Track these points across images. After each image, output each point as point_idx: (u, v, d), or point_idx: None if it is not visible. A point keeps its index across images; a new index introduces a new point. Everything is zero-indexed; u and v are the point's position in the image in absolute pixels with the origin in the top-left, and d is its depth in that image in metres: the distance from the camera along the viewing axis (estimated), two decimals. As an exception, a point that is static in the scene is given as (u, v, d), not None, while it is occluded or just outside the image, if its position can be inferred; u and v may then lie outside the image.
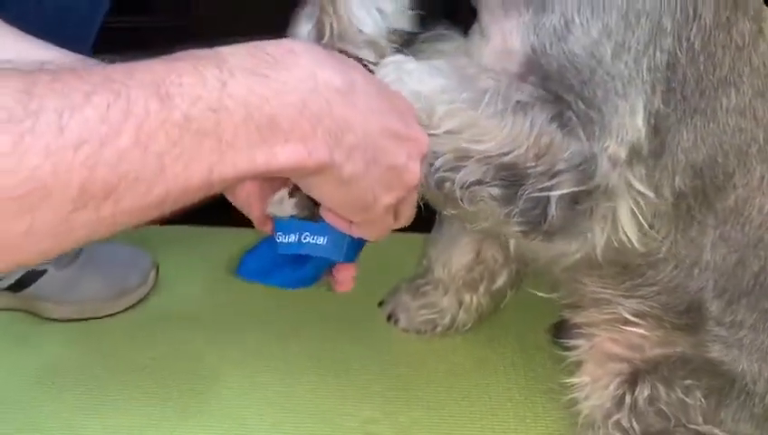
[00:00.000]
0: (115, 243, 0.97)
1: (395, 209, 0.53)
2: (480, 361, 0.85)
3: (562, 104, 0.52)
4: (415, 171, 0.51)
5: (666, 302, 0.61)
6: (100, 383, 0.80)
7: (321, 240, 0.58)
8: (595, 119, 0.52)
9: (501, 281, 0.82)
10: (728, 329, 0.61)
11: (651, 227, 0.56)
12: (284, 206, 0.57)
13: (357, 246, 0.59)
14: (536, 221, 0.54)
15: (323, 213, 0.55)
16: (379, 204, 0.50)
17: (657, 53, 0.53)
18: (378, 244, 1.00)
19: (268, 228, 0.63)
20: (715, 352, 0.61)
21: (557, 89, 0.53)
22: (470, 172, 0.54)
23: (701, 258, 0.60)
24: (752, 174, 0.58)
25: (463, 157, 0.54)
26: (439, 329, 0.87)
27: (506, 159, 0.53)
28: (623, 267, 0.61)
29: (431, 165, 0.54)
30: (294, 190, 0.56)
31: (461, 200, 0.55)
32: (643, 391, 0.60)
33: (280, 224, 0.58)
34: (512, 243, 0.64)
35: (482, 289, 0.83)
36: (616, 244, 0.55)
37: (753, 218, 0.58)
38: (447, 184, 0.55)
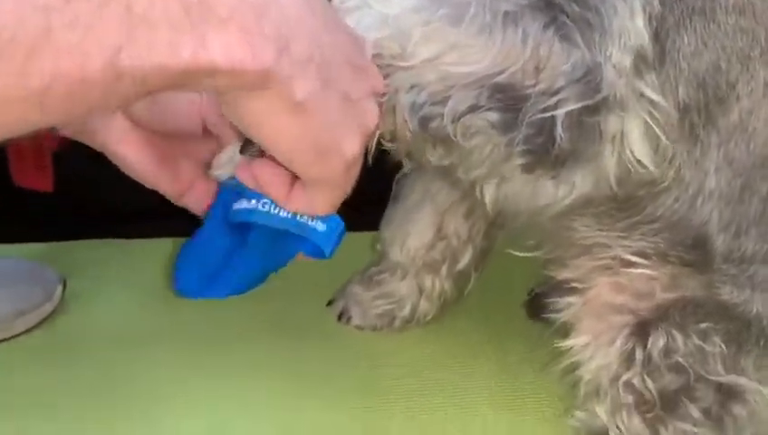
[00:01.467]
0: (13, 258, 0.84)
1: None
2: (448, 353, 0.75)
3: (555, 9, 0.46)
4: (373, 111, 0.43)
5: (668, 238, 0.54)
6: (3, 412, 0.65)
7: (321, 225, 0.48)
8: (593, 22, 0.46)
9: (464, 261, 0.74)
10: (737, 266, 0.54)
11: (664, 142, 0.50)
12: (236, 162, 0.47)
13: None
14: (543, 149, 0.47)
15: (257, 171, 0.45)
16: (342, 150, 0.40)
17: None
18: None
19: (196, 202, 0.52)
20: (726, 293, 0.54)
21: None
22: (460, 100, 0.46)
23: (704, 186, 0.53)
24: (756, 81, 0.52)
25: (450, 85, 0.46)
26: (398, 322, 0.77)
27: (501, 78, 0.45)
28: (622, 202, 0.54)
29: (413, 103, 0.46)
30: (247, 144, 0.45)
31: (454, 136, 0.47)
32: (657, 342, 0.52)
33: (228, 190, 0.47)
34: (489, 199, 0.56)
35: (444, 271, 0.74)
36: (629, 166, 0.49)
37: (759, 133, 0.52)
38: (435, 121, 0.47)
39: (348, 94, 0.39)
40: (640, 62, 0.47)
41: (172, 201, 0.52)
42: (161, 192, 0.51)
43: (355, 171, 0.43)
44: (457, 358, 0.75)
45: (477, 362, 0.74)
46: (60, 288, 0.81)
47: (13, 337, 0.76)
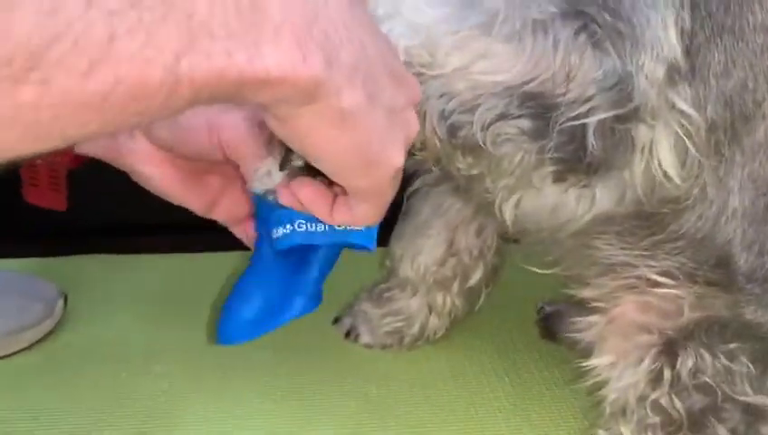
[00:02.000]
0: (12, 272, 0.81)
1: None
2: (458, 371, 0.74)
3: (586, 17, 0.45)
4: (414, 121, 0.41)
5: (692, 257, 0.54)
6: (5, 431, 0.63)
7: (320, 226, 0.47)
8: (625, 32, 0.45)
9: (476, 277, 0.73)
10: (761, 285, 0.54)
11: (692, 156, 0.49)
12: (274, 178, 0.45)
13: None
14: (575, 157, 0.46)
15: (298, 191, 0.44)
16: (389, 160, 0.39)
17: None
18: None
19: (244, 230, 0.51)
20: (750, 313, 0.53)
21: (576, 2, 0.46)
22: (490, 108, 0.45)
23: (728, 204, 0.53)
24: None
25: (479, 93, 0.45)
26: (407, 340, 0.75)
27: (531, 86, 0.45)
28: (645, 220, 0.53)
29: (442, 111, 0.46)
30: (287, 155, 0.44)
31: (483, 144, 0.46)
32: (686, 362, 0.51)
33: (291, 212, 0.46)
34: (508, 216, 0.55)
35: (455, 287, 0.73)
36: (656, 177, 0.48)
37: (784, 153, 0.52)
38: (464, 129, 0.46)
39: (392, 105, 0.38)
40: (674, 74, 0.47)
41: (201, 215, 0.50)
42: (190, 209, 0.49)
43: (398, 181, 0.42)
44: (468, 376, 0.73)
45: (489, 380, 0.73)
46: (61, 304, 0.78)
47: (12, 354, 0.73)
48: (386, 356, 0.76)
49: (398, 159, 0.40)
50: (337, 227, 0.45)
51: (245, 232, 0.52)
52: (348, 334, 0.77)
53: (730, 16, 0.49)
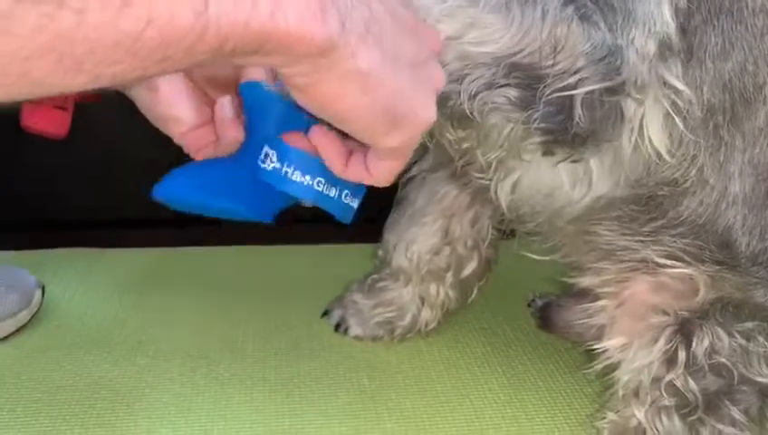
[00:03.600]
0: (-14, 262, 0.76)
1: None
2: (451, 363, 0.71)
3: None
4: (439, 72, 0.40)
5: (694, 242, 0.52)
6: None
7: (334, 192, 0.44)
8: (617, 5, 0.44)
9: (470, 268, 0.70)
10: (766, 268, 0.51)
11: (683, 135, 0.47)
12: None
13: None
14: (561, 127, 0.44)
15: (316, 141, 0.41)
16: (417, 116, 0.38)
17: None
18: (320, 254, 0.88)
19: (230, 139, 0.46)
20: (760, 296, 0.51)
21: None
22: (477, 77, 0.44)
23: (728, 190, 0.51)
24: None
25: (468, 64, 0.44)
26: (398, 332, 0.72)
27: (519, 57, 0.43)
28: (644, 204, 0.51)
29: None
30: None
31: (471, 114, 0.44)
32: (702, 342, 0.49)
33: (290, 152, 0.43)
34: (503, 198, 0.52)
35: (449, 278, 0.70)
36: (646, 155, 0.47)
37: (786, 138, 0.50)
38: (452, 99, 0.44)
39: (413, 60, 0.37)
40: (665, 50, 0.45)
41: (175, 137, 0.45)
42: (170, 123, 0.45)
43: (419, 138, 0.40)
44: (461, 368, 0.70)
45: (482, 372, 0.70)
46: (38, 294, 0.73)
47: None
48: (378, 348, 0.72)
49: (428, 114, 0.38)
50: (324, 192, 0.42)
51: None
52: (337, 327, 0.74)
53: None
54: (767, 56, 0.50)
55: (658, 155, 0.48)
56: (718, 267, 0.51)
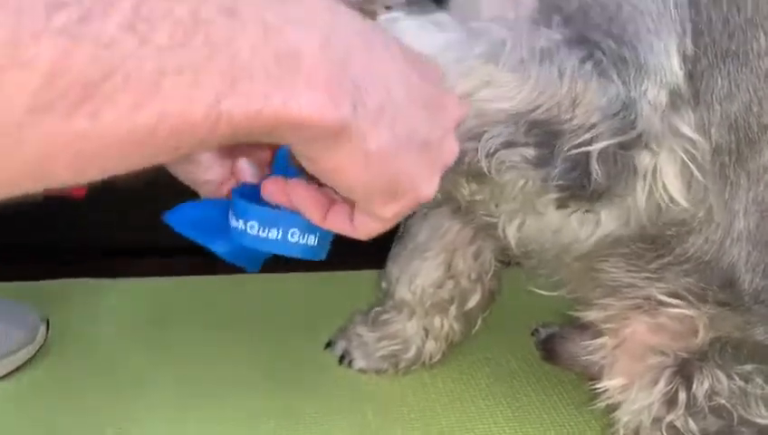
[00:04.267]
0: (-10, 297, 0.78)
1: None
2: (455, 395, 0.73)
3: (590, 44, 0.46)
4: (452, 147, 0.41)
5: (699, 278, 0.54)
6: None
7: (312, 240, 0.45)
8: (629, 58, 0.46)
9: (474, 301, 0.72)
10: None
11: (697, 179, 0.50)
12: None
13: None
14: (578, 184, 0.46)
15: (293, 192, 0.43)
16: (418, 191, 0.39)
17: None
18: (321, 282, 0.89)
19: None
20: (760, 334, 0.53)
21: (581, 29, 0.46)
22: (496, 136, 0.45)
23: (733, 227, 0.53)
24: None
25: (485, 121, 0.45)
26: (403, 364, 0.74)
27: (537, 114, 0.45)
28: (652, 242, 0.53)
29: None
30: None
31: (488, 172, 0.46)
32: (702, 383, 0.50)
33: (248, 209, 0.45)
34: (511, 237, 0.54)
35: (453, 311, 0.71)
36: (661, 203, 0.48)
37: (789, 176, 0.52)
38: (469, 155, 0.46)
39: (427, 138, 0.39)
40: (677, 99, 0.47)
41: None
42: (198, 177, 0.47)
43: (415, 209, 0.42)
44: (465, 400, 0.72)
45: (487, 404, 0.71)
46: (43, 329, 0.75)
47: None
48: (382, 381, 0.74)
49: (426, 191, 0.40)
50: (290, 238, 0.44)
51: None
52: (342, 359, 0.76)
53: (734, 42, 0.50)
54: None
55: (674, 202, 0.50)
56: (720, 308, 0.53)
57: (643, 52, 0.46)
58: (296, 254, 0.46)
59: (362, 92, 0.34)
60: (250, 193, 0.46)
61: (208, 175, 0.47)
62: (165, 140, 0.28)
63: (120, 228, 0.90)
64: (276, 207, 0.44)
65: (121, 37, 0.25)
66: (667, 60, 0.47)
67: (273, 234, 0.44)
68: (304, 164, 0.37)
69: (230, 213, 0.46)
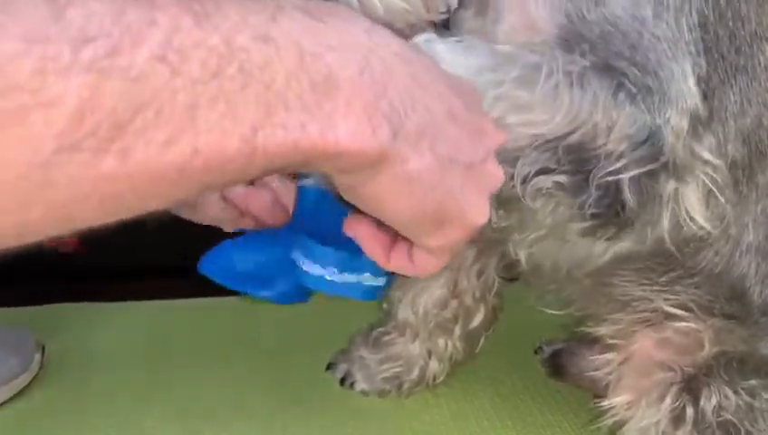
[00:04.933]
0: (-16, 323, 0.79)
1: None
2: (459, 416, 0.73)
3: (617, 73, 0.47)
4: (497, 172, 0.41)
5: (708, 290, 0.55)
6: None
7: (381, 281, 0.47)
8: (653, 86, 0.47)
9: (478, 319, 0.73)
10: None
11: (722, 203, 0.51)
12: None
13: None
14: (609, 212, 0.48)
15: (358, 232, 0.42)
16: (466, 218, 0.38)
17: (693, 12, 0.49)
18: (322, 303, 0.90)
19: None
20: (766, 347, 0.54)
21: (604, 55, 0.47)
22: (532, 162, 0.47)
23: (742, 240, 0.55)
24: None
25: (520, 146, 0.47)
26: (406, 386, 0.75)
27: (572, 138, 0.46)
28: (665, 257, 0.54)
29: None
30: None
31: (523, 198, 0.47)
32: (710, 399, 0.51)
33: (327, 254, 0.45)
34: (523, 255, 0.55)
35: (458, 331, 0.72)
36: (684, 226, 0.50)
37: (797, 189, 0.54)
38: (503, 181, 0.46)
39: (470, 161, 0.38)
40: (697, 124, 0.49)
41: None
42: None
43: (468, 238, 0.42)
44: (470, 420, 0.73)
45: (492, 425, 0.72)
46: (38, 357, 0.76)
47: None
48: (385, 403, 0.74)
49: (478, 217, 0.39)
50: (365, 283, 0.44)
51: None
52: (343, 381, 0.76)
53: (742, 57, 0.51)
54: None
55: (697, 225, 0.51)
56: (726, 321, 0.54)
57: (666, 79, 0.48)
58: (367, 297, 0.47)
59: (402, 116, 0.33)
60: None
61: (209, 218, 0.47)
62: (198, 176, 0.27)
63: (117, 250, 0.90)
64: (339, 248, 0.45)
65: (152, 70, 0.25)
66: (685, 84, 0.48)
67: (352, 278, 0.45)
68: (345, 194, 0.36)
69: (298, 256, 0.46)
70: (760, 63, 0.52)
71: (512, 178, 0.46)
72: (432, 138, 0.35)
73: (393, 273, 0.45)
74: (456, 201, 0.37)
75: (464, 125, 0.38)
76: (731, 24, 0.51)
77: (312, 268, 0.45)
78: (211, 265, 0.47)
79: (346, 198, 0.37)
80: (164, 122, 0.25)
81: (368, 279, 0.46)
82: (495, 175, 0.40)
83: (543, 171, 0.46)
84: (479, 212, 0.39)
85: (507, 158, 0.46)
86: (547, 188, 0.47)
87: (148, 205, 0.27)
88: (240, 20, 0.28)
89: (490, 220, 0.48)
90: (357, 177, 0.34)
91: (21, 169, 0.23)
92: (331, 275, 0.45)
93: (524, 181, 0.46)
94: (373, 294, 0.47)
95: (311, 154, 0.30)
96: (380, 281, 0.46)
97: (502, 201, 0.48)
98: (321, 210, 0.44)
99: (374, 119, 0.32)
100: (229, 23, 0.27)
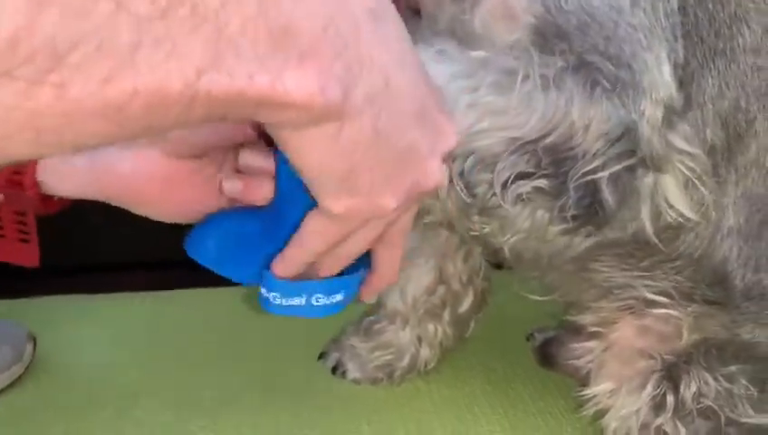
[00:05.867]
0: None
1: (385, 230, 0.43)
2: (451, 403, 0.75)
3: (592, 69, 0.48)
4: (434, 174, 0.41)
5: (690, 276, 0.56)
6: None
7: (339, 297, 0.48)
8: (626, 79, 0.48)
9: (466, 304, 0.74)
10: (758, 303, 0.56)
11: (702, 191, 0.52)
12: None
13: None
14: (589, 212, 0.48)
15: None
16: (377, 198, 0.39)
17: None
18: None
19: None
20: (747, 332, 0.56)
21: (580, 50, 0.48)
22: (510, 166, 0.47)
23: (722, 223, 0.55)
24: None
25: (498, 152, 0.47)
26: (398, 373, 0.76)
27: (548, 140, 0.47)
28: (645, 243, 0.55)
29: (461, 171, 0.47)
30: None
31: (502, 202, 0.48)
32: (690, 386, 0.53)
33: (269, 281, 0.46)
34: (506, 245, 0.56)
35: (446, 316, 0.74)
36: (669, 219, 0.51)
37: (777, 168, 0.55)
38: (481, 188, 0.48)
39: (409, 146, 0.38)
40: (671, 114, 0.49)
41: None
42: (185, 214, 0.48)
43: (399, 229, 0.43)
44: (461, 408, 0.74)
45: (483, 412, 0.74)
46: (30, 348, 0.78)
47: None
48: (377, 391, 0.76)
49: (384, 203, 0.39)
50: (315, 303, 0.46)
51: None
52: (335, 370, 0.78)
53: (721, 39, 0.52)
54: (757, 92, 0.54)
55: (680, 215, 0.52)
56: (707, 307, 0.55)
57: (639, 71, 0.48)
58: (322, 314, 0.48)
59: (356, 77, 0.33)
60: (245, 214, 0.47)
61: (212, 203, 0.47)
62: (136, 117, 0.27)
63: (109, 242, 0.92)
64: None
65: (95, 2, 0.24)
66: (659, 73, 0.49)
67: (297, 301, 0.46)
68: (271, 133, 0.36)
69: (269, 293, 0.47)
70: (739, 45, 0.53)
71: (491, 185, 0.47)
72: (378, 109, 0.35)
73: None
74: (370, 176, 0.37)
75: (420, 113, 0.38)
76: (710, 6, 0.52)
77: (285, 300, 0.46)
78: (191, 249, 0.48)
79: (275, 140, 0.37)
80: (104, 58, 0.25)
81: (320, 299, 0.47)
82: (433, 176, 0.41)
83: (522, 176, 0.47)
84: (388, 199, 0.39)
85: (486, 164, 0.47)
86: (527, 193, 0.47)
87: (85, 142, 0.27)
88: None
89: (470, 227, 0.49)
90: (292, 129, 0.34)
91: None
92: (274, 299, 0.46)
93: (504, 187, 0.47)
94: (334, 308, 0.48)
95: (256, 104, 0.30)
96: (337, 298, 0.47)
97: (483, 209, 0.49)
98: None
99: (325, 77, 0.31)
100: None
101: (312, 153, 0.36)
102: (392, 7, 0.37)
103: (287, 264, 0.45)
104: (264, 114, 0.32)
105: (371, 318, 0.76)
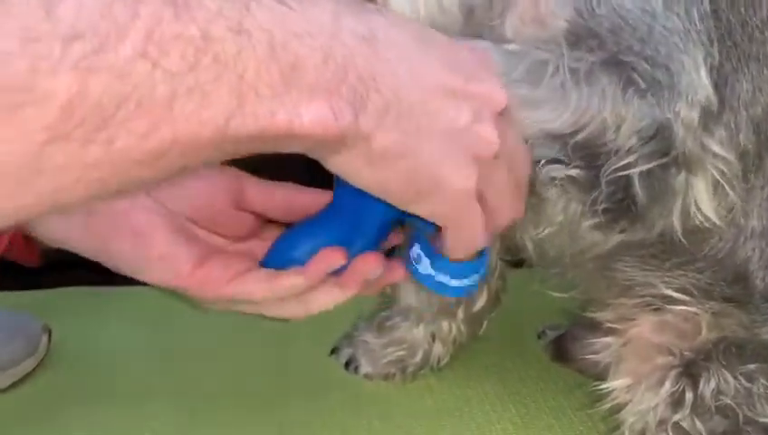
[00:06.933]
0: (-10, 307, 0.81)
1: (480, 195, 0.44)
2: (462, 401, 0.75)
3: (626, 67, 0.48)
4: (488, 135, 0.42)
5: (711, 275, 0.57)
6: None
7: (465, 281, 0.52)
8: (663, 80, 0.48)
9: (481, 302, 0.74)
10: None
11: (730, 196, 0.53)
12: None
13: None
14: (620, 207, 0.49)
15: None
16: (447, 184, 0.41)
17: (705, 0, 0.50)
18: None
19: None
20: (766, 333, 0.56)
21: (615, 51, 0.49)
22: (545, 150, 0.48)
23: (747, 224, 0.56)
24: None
25: (529, 135, 0.48)
26: (410, 369, 0.77)
27: (580, 136, 0.48)
28: (670, 244, 0.55)
29: None
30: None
31: (534, 182, 0.48)
32: (709, 383, 0.53)
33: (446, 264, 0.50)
34: (529, 241, 0.57)
35: (461, 314, 0.74)
36: (695, 220, 0.51)
37: (802, 174, 0.55)
38: None
39: (449, 127, 0.40)
40: (708, 118, 0.50)
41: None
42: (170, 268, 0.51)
43: (475, 207, 0.44)
44: (473, 406, 0.74)
45: (495, 410, 0.74)
46: (44, 341, 0.78)
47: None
48: (389, 387, 0.76)
49: (459, 182, 0.41)
50: (437, 278, 0.50)
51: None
52: (347, 365, 0.78)
53: (754, 44, 0.52)
54: None
55: (707, 219, 0.52)
56: (726, 304, 0.56)
57: (676, 72, 0.48)
58: (455, 294, 0.52)
59: (363, 97, 0.36)
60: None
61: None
62: (174, 161, 0.30)
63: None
64: None
65: (134, 64, 0.27)
66: (696, 75, 0.49)
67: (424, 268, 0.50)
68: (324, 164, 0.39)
69: (414, 254, 0.50)
70: None
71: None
72: (396, 114, 0.37)
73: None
74: (428, 170, 0.40)
75: (445, 92, 0.40)
76: (743, 10, 0.52)
77: (428, 271, 0.49)
78: (272, 260, 0.49)
79: (325, 166, 0.40)
80: (144, 113, 0.28)
81: (452, 282, 0.50)
82: (486, 138, 0.42)
83: (557, 160, 0.48)
84: (460, 177, 0.41)
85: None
86: (560, 179, 0.48)
87: (127, 187, 0.30)
88: (216, 10, 0.30)
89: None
90: (324, 154, 0.37)
91: (17, 160, 0.26)
92: (444, 279, 0.50)
93: (540, 166, 0.48)
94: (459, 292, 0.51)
95: (277, 138, 0.33)
96: (454, 282, 0.50)
97: None
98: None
99: (335, 103, 0.35)
100: (206, 13, 0.30)
101: (361, 174, 0.39)
102: (384, 25, 0.39)
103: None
104: (289, 145, 0.35)
105: (384, 314, 0.77)
